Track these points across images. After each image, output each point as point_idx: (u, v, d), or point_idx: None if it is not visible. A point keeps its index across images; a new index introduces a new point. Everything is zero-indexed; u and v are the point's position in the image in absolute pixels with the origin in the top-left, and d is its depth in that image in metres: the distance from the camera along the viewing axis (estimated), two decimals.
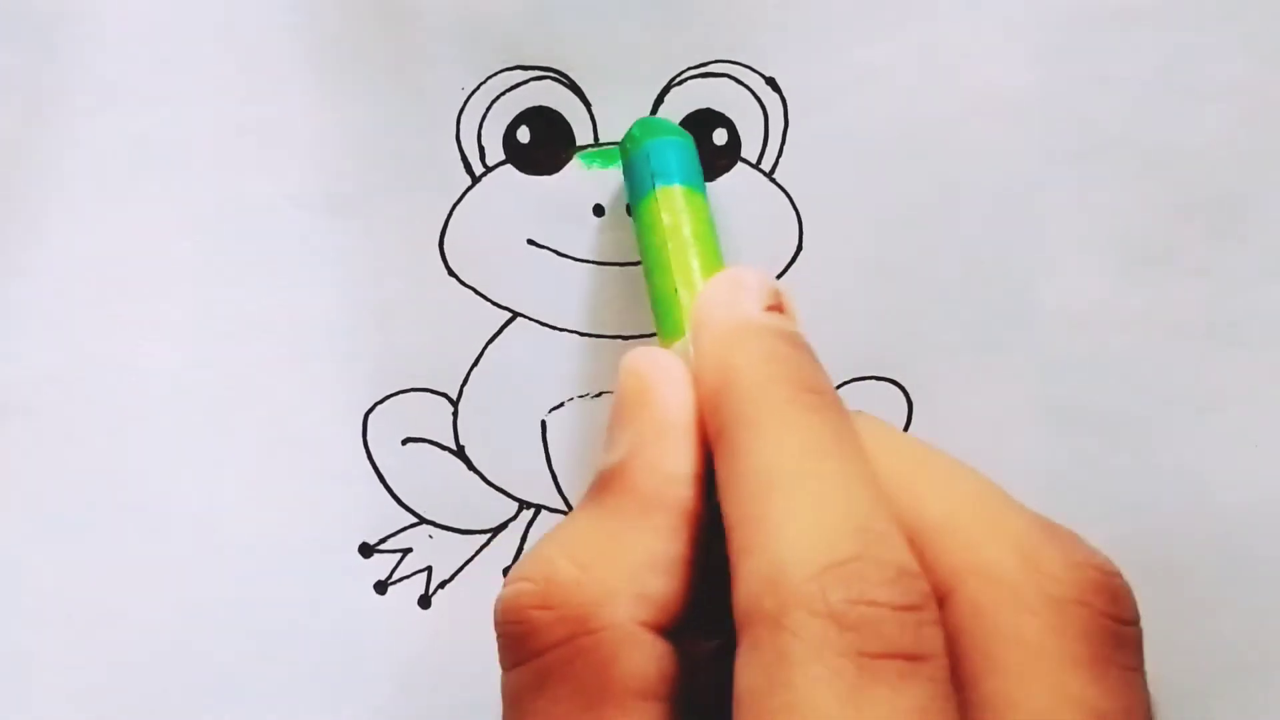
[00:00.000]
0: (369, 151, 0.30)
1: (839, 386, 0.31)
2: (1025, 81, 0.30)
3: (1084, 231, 0.30)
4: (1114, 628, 0.20)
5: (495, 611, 0.22)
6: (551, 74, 0.30)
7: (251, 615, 0.31)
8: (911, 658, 0.19)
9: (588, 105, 0.30)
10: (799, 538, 0.19)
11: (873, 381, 0.31)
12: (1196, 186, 0.30)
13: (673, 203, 0.27)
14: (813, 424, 0.21)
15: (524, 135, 0.30)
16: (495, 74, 0.30)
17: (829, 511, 0.20)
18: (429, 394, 0.31)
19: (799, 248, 0.30)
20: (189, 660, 0.31)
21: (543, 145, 0.30)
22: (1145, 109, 0.30)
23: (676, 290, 0.26)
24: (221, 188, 0.30)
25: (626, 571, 0.21)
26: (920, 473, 0.22)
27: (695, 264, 0.26)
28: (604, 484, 0.23)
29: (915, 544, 0.20)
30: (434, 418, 0.31)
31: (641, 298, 0.30)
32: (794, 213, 0.30)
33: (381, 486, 0.31)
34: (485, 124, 0.30)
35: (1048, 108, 0.30)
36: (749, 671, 0.19)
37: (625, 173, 0.29)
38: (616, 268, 0.31)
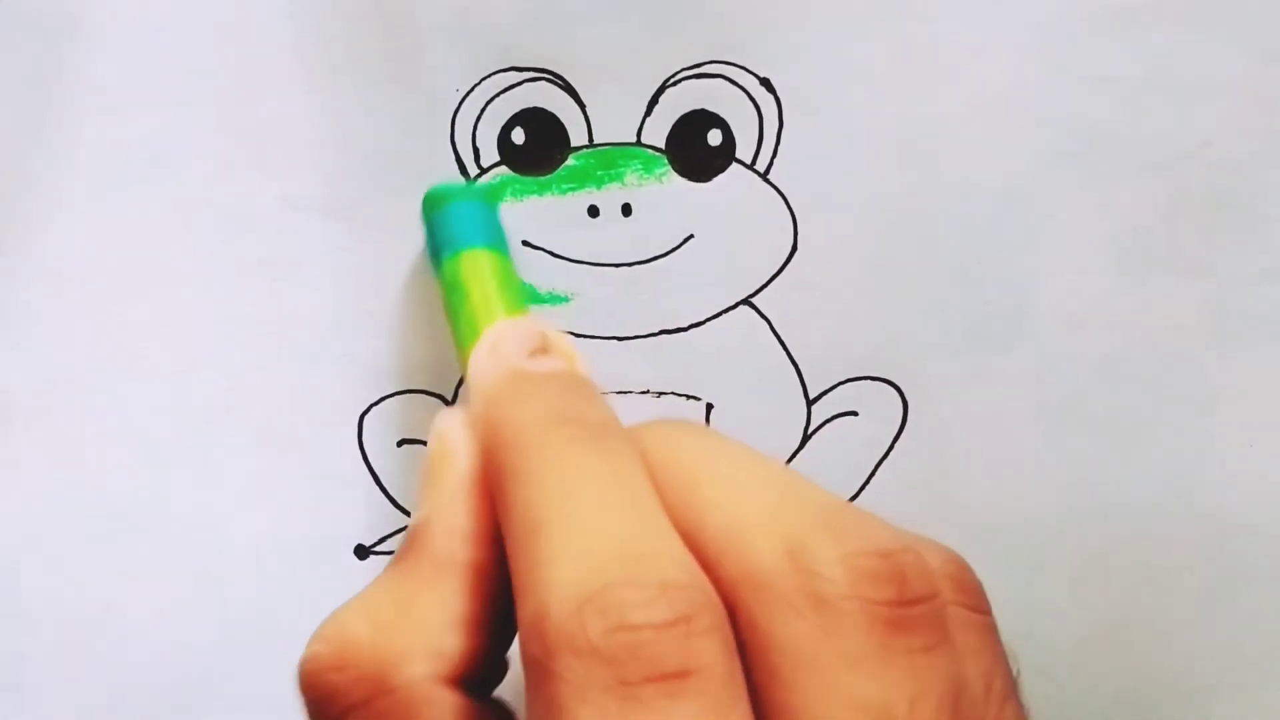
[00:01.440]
0: (364, 153, 0.30)
1: (835, 387, 0.31)
2: (1020, 81, 0.30)
3: (1080, 231, 0.30)
4: (890, 614, 0.19)
5: (298, 675, 0.22)
6: (546, 75, 0.30)
7: (247, 617, 0.31)
8: (679, 675, 0.18)
9: (582, 107, 0.30)
10: (558, 575, 0.19)
11: (868, 382, 0.31)
12: (1193, 186, 0.30)
13: (470, 267, 0.27)
14: (572, 458, 0.21)
15: (519, 137, 0.30)
16: (490, 75, 0.30)
17: (587, 543, 0.19)
18: (424, 395, 0.31)
19: (794, 248, 0.30)
20: (185, 662, 0.31)
21: (538, 147, 0.30)
22: (1141, 108, 0.30)
23: (464, 351, 0.26)
24: (217, 190, 0.31)
25: (420, 629, 0.21)
26: (705, 480, 0.21)
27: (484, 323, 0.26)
28: (405, 546, 0.23)
29: (700, 557, 0.20)
30: (429, 419, 0.30)
31: (638, 298, 0.30)
32: (789, 213, 0.30)
33: (377, 488, 0.31)
34: (480, 125, 0.30)
35: (1043, 107, 0.30)
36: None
37: (428, 234, 0.29)
38: (611, 269, 0.31)
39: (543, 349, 0.25)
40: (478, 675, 0.21)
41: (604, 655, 0.18)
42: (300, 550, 0.31)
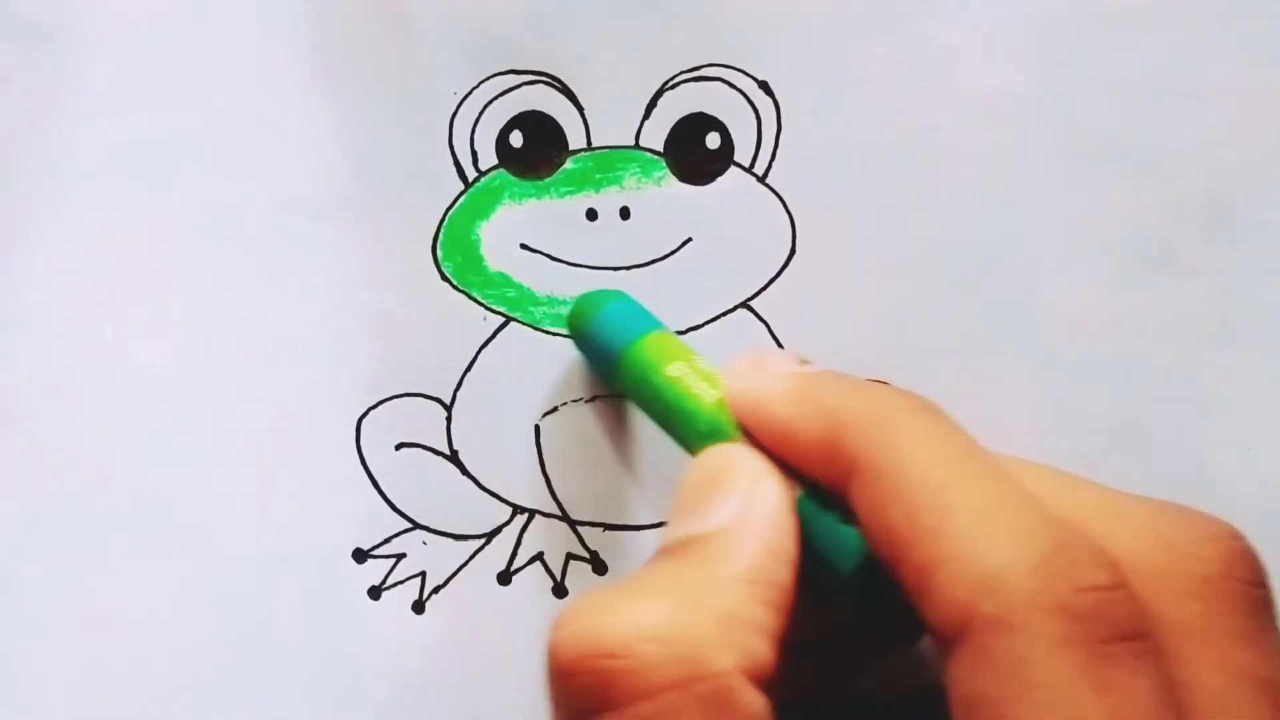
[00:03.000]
0: (362, 156, 0.30)
1: None
2: (1018, 84, 0.30)
3: (1078, 234, 0.30)
4: (1257, 595, 0.21)
5: (570, 647, 0.21)
6: (545, 78, 0.30)
7: (245, 621, 0.31)
8: (1138, 636, 0.19)
9: (581, 109, 0.30)
10: (1000, 539, 0.20)
11: None
12: (1191, 188, 0.30)
13: (661, 344, 0.28)
14: (943, 427, 0.22)
15: (517, 139, 0.30)
16: (488, 78, 0.30)
17: (1011, 510, 0.20)
18: (422, 399, 0.31)
19: (792, 251, 0.30)
20: (183, 666, 0.31)
21: (536, 150, 0.30)
22: (1139, 111, 0.30)
23: (704, 400, 0.26)
24: (215, 192, 0.30)
25: (735, 629, 0.21)
26: (1031, 480, 0.22)
27: (704, 383, 0.26)
28: (695, 547, 0.23)
29: None
30: (427, 423, 0.31)
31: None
32: (787, 216, 0.30)
33: (375, 492, 0.31)
34: (478, 128, 0.30)
35: (1041, 110, 0.30)
36: (978, 677, 0.19)
37: (589, 343, 0.30)
38: (609, 272, 0.30)
39: (805, 360, 0.26)
40: (764, 688, 0.21)
41: (1074, 613, 0.19)
42: (298, 553, 0.31)
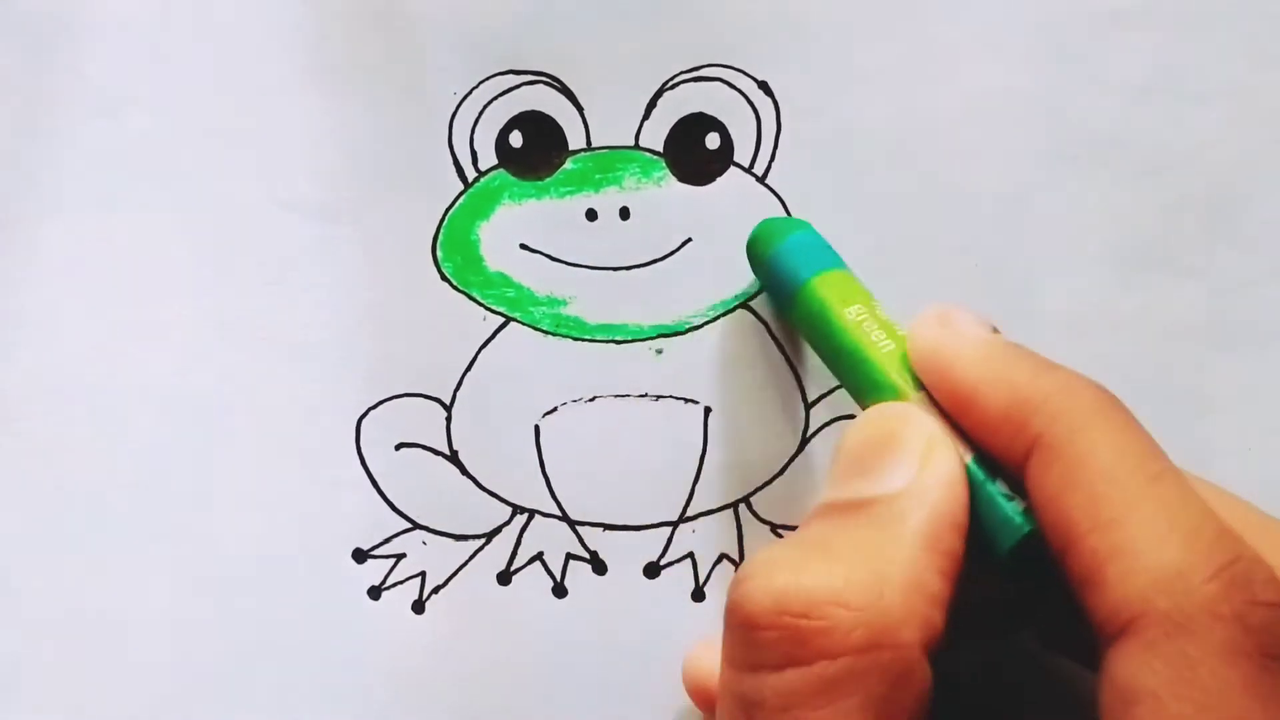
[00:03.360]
0: (362, 157, 0.30)
1: (833, 391, 0.30)
2: (1019, 84, 0.30)
3: (1079, 234, 0.30)
4: None
5: (763, 601, 0.21)
6: (544, 78, 0.30)
7: (245, 621, 0.31)
8: None
9: (580, 109, 0.30)
10: (1181, 541, 0.20)
11: None
12: (1191, 188, 0.30)
13: (842, 283, 0.27)
14: (1135, 431, 0.22)
15: (517, 140, 0.30)
16: (488, 78, 0.30)
17: (1193, 516, 0.21)
18: (422, 399, 0.31)
19: None
20: (183, 666, 0.31)
21: (535, 150, 0.30)
22: (1139, 110, 0.30)
23: (881, 350, 0.26)
24: (215, 193, 0.30)
25: (917, 596, 0.21)
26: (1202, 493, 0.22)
27: (881, 331, 0.26)
28: (872, 510, 0.23)
29: None
30: (427, 423, 0.31)
31: (631, 300, 0.30)
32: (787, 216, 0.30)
33: (375, 492, 0.31)
34: (478, 129, 0.30)
35: (1041, 110, 0.30)
36: (1146, 671, 0.19)
37: (769, 272, 0.29)
38: (609, 272, 0.30)
39: (995, 327, 0.25)
40: (934, 659, 0.22)
41: (1248, 624, 0.19)
42: (298, 553, 0.31)
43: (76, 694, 0.31)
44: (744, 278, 0.30)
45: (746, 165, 0.30)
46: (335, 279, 0.31)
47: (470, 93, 0.30)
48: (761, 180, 0.30)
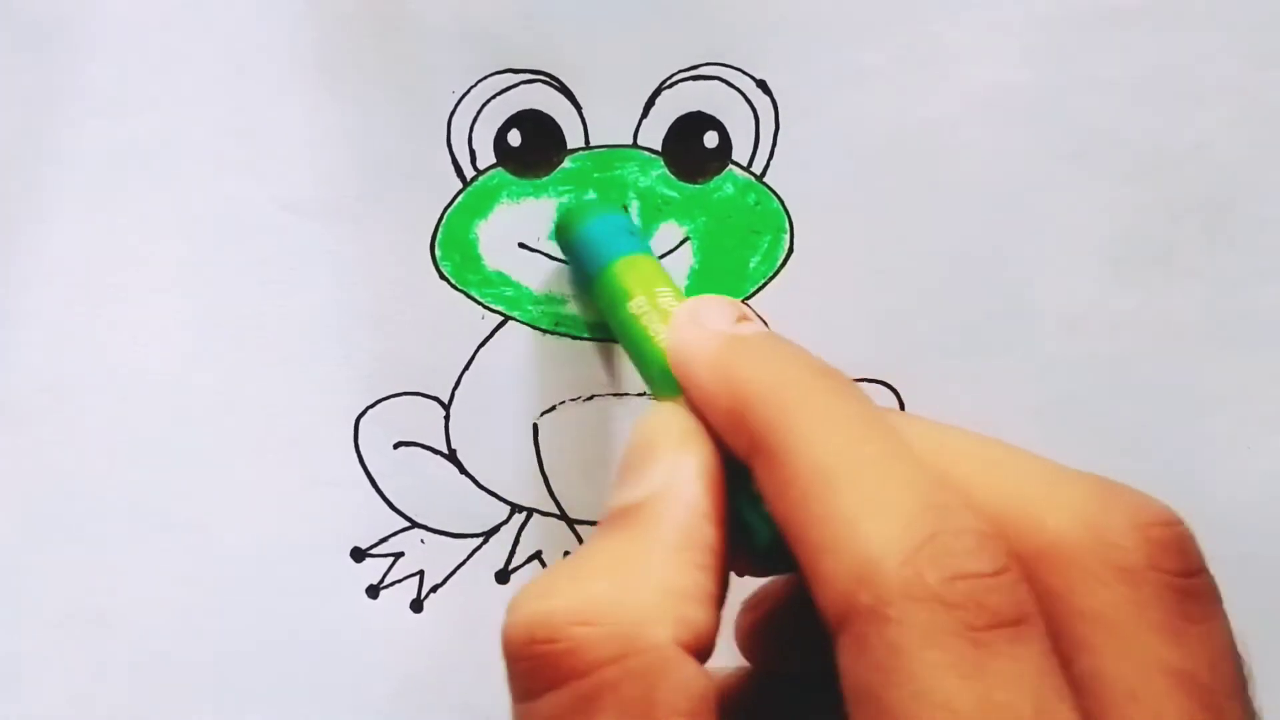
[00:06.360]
0: (360, 155, 0.30)
1: None
2: (1017, 83, 0.30)
3: (1077, 233, 0.30)
4: (1184, 585, 0.20)
5: (516, 633, 0.21)
6: (542, 77, 0.30)
7: (244, 620, 0.31)
8: (1016, 621, 0.19)
9: (579, 108, 0.30)
10: (877, 527, 0.19)
11: (864, 383, 0.31)
12: (1190, 188, 0.30)
13: (631, 271, 0.27)
14: (845, 410, 0.21)
15: (515, 138, 0.30)
16: (486, 77, 0.30)
17: (895, 494, 0.20)
18: (420, 398, 0.31)
19: (789, 251, 0.30)
20: (182, 664, 0.31)
21: (534, 149, 0.30)
22: (1138, 110, 0.30)
23: (653, 344, 0.25)
24: (213, 192, 0.31)
25: (667, 597, 0.21)
26: (959, 455, 0.22)
27: (661, 324, 0.25)
28: (629, 517, 0.22)
29: None
30: (426, 421, 0.31)
31: None
32: (785, 215, 0.30)
33: (373, 491, 0.31)
34: (476, 127, 0.30)
35: (1040, 109, 0.30)
36: (858, 668, 0.19)
37: (571, 256, 0.29)
38: None
39: (744, 316, 0.25)
40: (705, 653, 0.21)
41: (947, 601, 0.19)
42: (296, 552, 0.31)
43: (76, 691, 0.31)
44: (742, 276, 0.31)
45: (745, 164, 0.30)
46: (334, 278, 0.31)
47: (468, 91, 0.30)
48: (759, 179, 0.30)
